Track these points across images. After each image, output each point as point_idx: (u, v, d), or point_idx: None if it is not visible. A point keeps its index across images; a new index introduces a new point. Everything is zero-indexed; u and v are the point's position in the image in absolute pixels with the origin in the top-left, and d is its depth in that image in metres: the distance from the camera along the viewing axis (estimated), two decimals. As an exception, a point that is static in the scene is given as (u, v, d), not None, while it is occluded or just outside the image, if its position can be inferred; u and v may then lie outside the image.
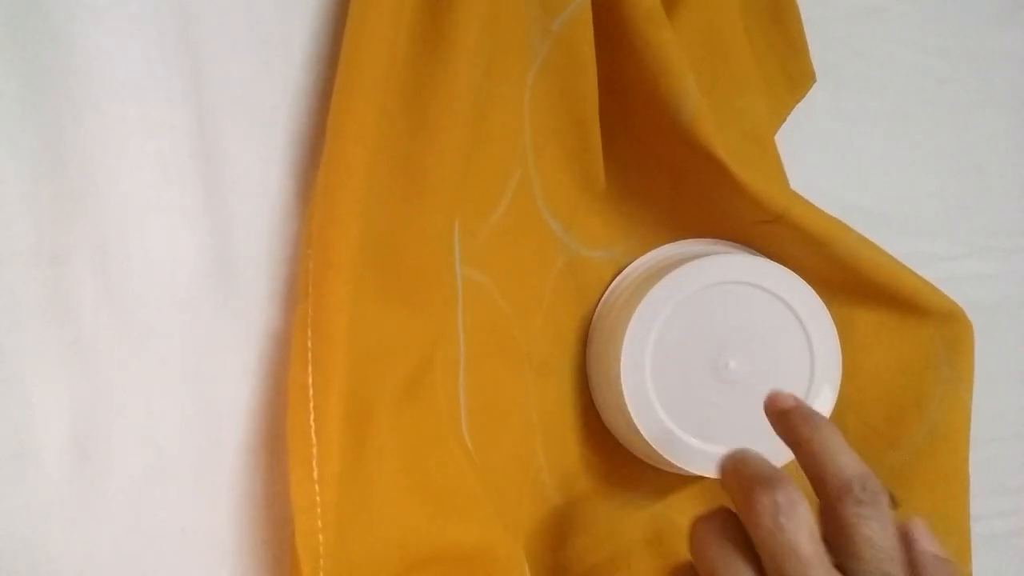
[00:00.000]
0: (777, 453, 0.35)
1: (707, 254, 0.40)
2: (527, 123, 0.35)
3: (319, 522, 0.24)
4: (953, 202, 0.51)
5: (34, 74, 0.23)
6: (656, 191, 0.41)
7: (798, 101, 0.46)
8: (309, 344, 0.25)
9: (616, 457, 0.42)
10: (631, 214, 0.41)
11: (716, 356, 0.39)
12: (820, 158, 0.48)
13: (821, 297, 0.39)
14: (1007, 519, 0.52)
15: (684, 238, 0.42)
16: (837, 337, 0.39)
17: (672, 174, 0.40)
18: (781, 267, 0.40)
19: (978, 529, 0.49)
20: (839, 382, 0.38)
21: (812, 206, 0.39)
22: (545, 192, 0.37)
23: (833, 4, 0.47)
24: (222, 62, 0.26)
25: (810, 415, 0.29)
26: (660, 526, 0.43)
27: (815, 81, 0.45)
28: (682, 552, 0.42)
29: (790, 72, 0.45)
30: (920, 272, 0.42)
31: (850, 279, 0.41)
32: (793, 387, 0.37)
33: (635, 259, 0.41)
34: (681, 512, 0.43)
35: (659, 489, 0.42)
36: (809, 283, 0.39)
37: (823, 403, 0.38)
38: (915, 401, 0.40)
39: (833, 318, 0.39)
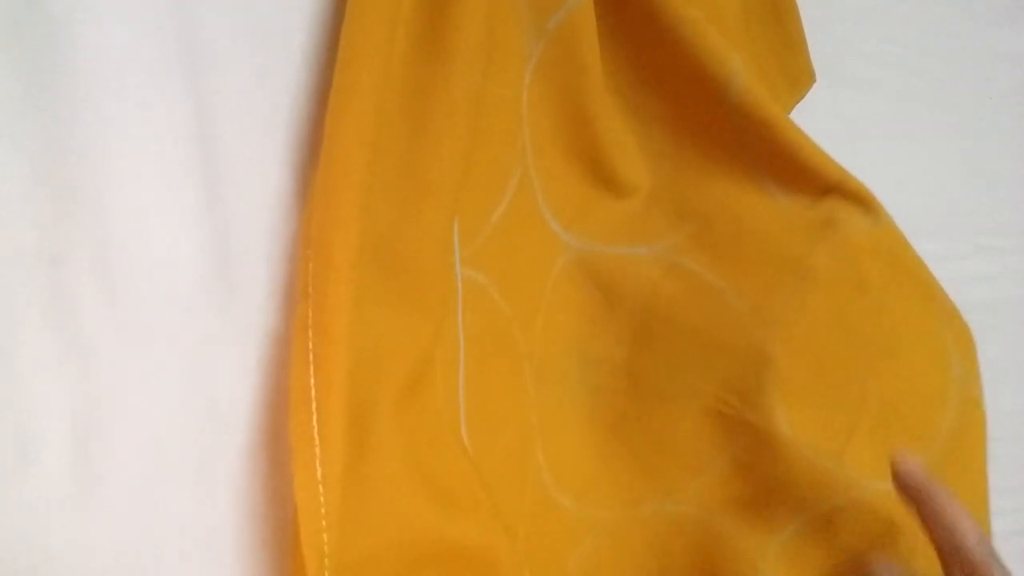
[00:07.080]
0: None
1: None
2: (526, 123, 0.35)
3: (323, 522, 0.24)
4: (953, 202, 0.51)
5: (34, 74, 0.23)
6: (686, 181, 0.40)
7: (798, 101, 0.46)
8: (310, 345, 0.25)
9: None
10: (660, 206, 0.41)
11: None
12: (820, 158, 0.47)
13: None
14: (1007, 519, 0.52)
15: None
16: None
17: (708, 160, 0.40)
18: None
19: (978, 529, 0.48)
20: None
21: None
22: (545, 192, 0.36)
23: (833, 4, 0.47)
24: (222, 62, 0.26)
25: (937, 488, 0.35)
26: (659, 525, 0.42)
27: (815, 81, 0.45)
28: (680, 551, 0.43)
29: (790, 72, 0.45)
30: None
31: None
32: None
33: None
34: (680, 509, 0.43)
35: (659, 487, 0.42)
36: None
37: None
38: None
39: None
